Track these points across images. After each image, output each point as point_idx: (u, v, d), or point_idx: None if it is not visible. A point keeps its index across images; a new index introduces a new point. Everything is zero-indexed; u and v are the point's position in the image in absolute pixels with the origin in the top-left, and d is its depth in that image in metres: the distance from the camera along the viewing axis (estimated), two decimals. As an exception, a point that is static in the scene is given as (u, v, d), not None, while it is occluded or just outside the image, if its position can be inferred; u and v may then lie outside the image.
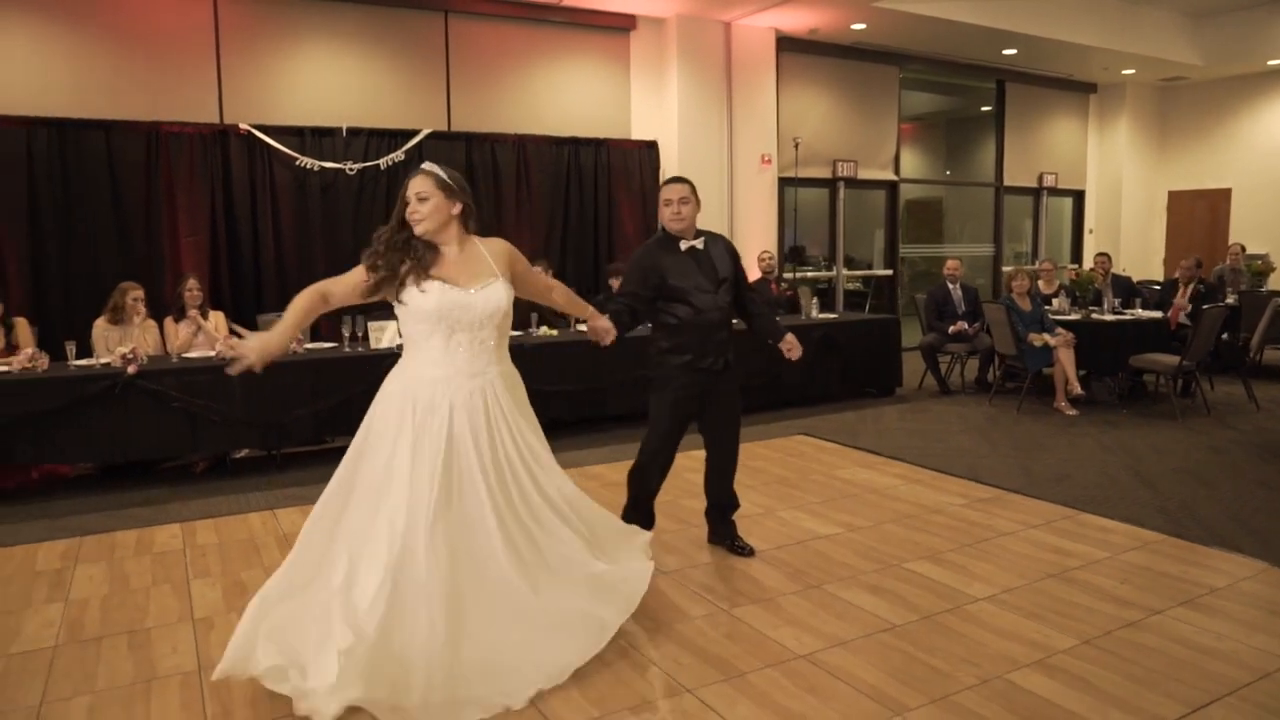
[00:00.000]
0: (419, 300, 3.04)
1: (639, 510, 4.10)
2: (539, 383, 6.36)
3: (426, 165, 3.12)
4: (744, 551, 4.16)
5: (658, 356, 3.97)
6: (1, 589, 3.90)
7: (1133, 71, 11.95)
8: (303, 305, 3.12)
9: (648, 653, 3.20)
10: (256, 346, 2.96)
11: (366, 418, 3.23)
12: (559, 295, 3.63)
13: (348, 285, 3.16)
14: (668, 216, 3.92)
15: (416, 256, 3.06)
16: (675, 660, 3.14)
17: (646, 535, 3.63)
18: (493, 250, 3.20)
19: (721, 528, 4.25)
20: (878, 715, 2.76)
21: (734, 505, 4.26)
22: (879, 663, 3.10)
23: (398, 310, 3.16)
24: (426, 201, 3.04)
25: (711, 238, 4.02)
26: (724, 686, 2.95)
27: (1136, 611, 3.47)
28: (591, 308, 3.68)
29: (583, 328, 7.02)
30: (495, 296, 3.10)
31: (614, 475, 5.59)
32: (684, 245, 3.92)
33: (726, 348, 3.97)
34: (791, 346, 4.10)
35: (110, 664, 3.19)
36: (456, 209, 3.09)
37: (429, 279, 3.05)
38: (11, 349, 5.69)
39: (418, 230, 3.06)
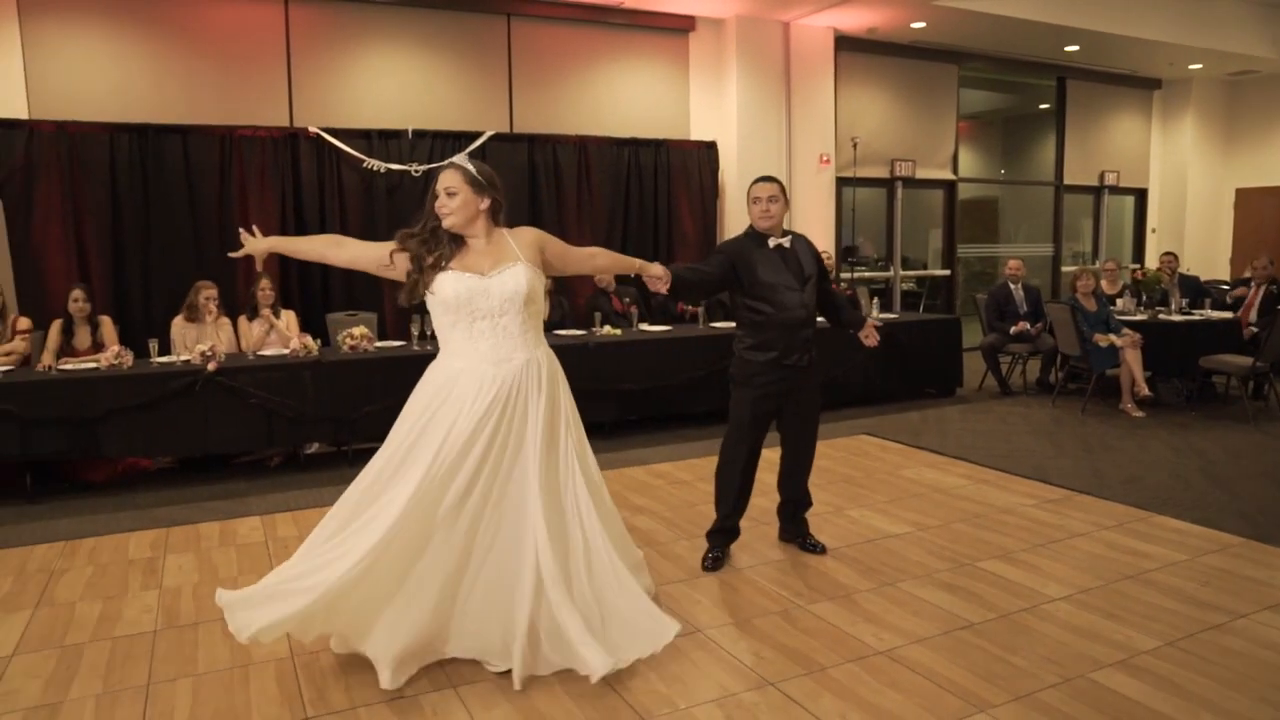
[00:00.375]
0: (441, 289, 3.09)
1: (719, 511, 4.11)
2: (602, 382, 6.47)
3: (457, 159, 3.18)
4: (816, 549, 4.18)
5: (742, 353, 4.00)
6: (100, 576, 4.06)
7: (1200, 66, 11.71)
8: (320, 238, 3.49)
9: (728, 646, 3.24)
10: (262, 243, 3.27)
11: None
12: (603, 259, 3.62)
13: (367, 250, 3.29)
14: (756, 214, 3.96)
15: (442, 248, 3.11)
16: (756, 654, 3.18)
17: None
18: (520, 239, 3.22)
19: (793, 526, 4.28)
20: (961, 711, 2.78)
21: (807, 503, 4.27)
22: (959, 660, 3.11)
23: (428, 303, 3.18)
24: (455, 196, 3.08)
25: (796, 236, 4.06)
26: (806, 680, 2.98)
27: (1220, 614, 3.44)
28: (639, 260, 3.59)
29: (646, 327, 7.11)
30: (513, 280, 3.10)
31: (682, 474, 5.65)
32: (772, 243, 3.96)
33: (810, 345, 4.00)
34: (869, 334, 4.29)
35: (208, 649, 3.31)
36: (484, 204, 3.13)
37: (451, 269, 3.10)
38: (97, 347, 5.89)
39: (445, 224, 3.11)
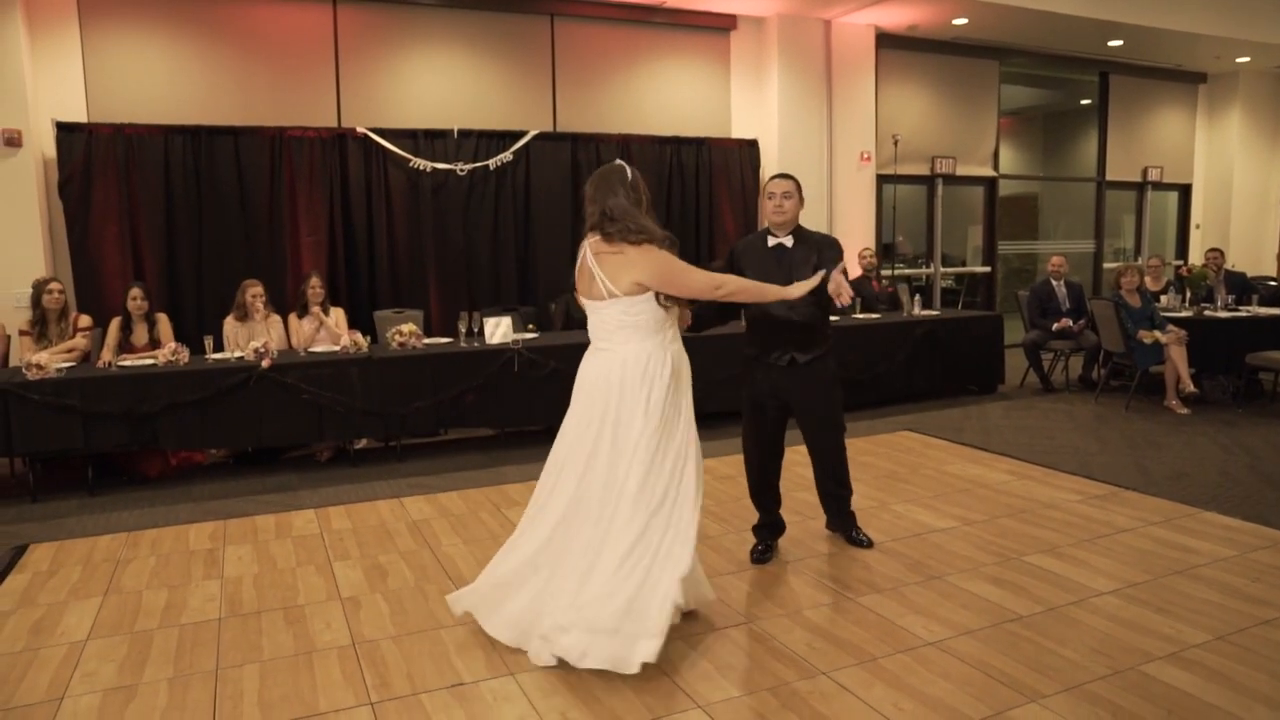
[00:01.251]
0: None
1: (758, 511, 4.19)
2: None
3: None
4: (863, 543, 4.22)
5: (743, 350, 4.10)
6: (163, 566, 4.19)
7: (1248, 59, 11.55)
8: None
9: (781, 637, 3.29)
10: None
11: None
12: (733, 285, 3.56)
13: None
14: (770, 210, 3.96)
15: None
16: (808, 645, 3.23)
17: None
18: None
19: (838, 519, 4.31)
20: (1013, 701, 2.81)
21: (843, 496, 4.23)
22: (1009, 651, 3.14)
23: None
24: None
25: (810, 236, 3.99)
26: (858, 670, 3.03)
27: (1271, 609, 3.44)
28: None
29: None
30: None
31: (724, 469, 5.71)
32: (772, 242, 3.96)
33: (797, 345, 3.93)
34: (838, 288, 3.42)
35: (271, 636, 3.41)
36: None
37: None
38: (154, 344, 6.05)
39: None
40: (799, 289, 3.46)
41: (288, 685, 3.03)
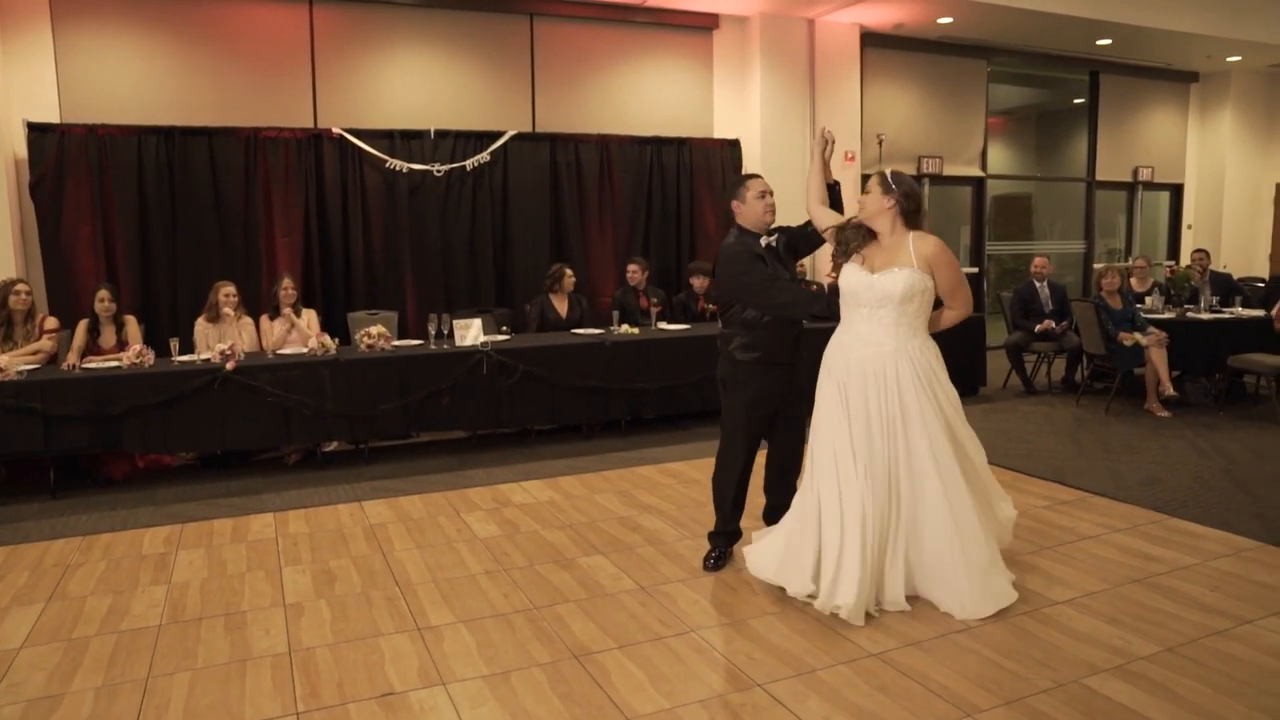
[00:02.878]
0: (842, 276, 3.65)
1: (719, 515, 4.11)
2: (618, 380, 6.48)
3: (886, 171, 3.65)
4: None
5: (739, 354, 3.93)
6: (112, 571, 4.15)
7: (1239, 58, 11.45)
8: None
9: (721, 648, 3.24)
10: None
11: None
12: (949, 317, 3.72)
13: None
14: (761, 210, 3.90)
15: (856, 240, 3.63)
16: (748, 655, 3.17)
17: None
18: (918, 245, 3.53)
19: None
20: (949, 716, 2.76)
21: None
22: (952, 663, 3.08)
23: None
24: (868, 195, 3.62)
25: (779, 230, 4.02)
26: (794, 682, 2.98)
27: (1225, 620, 3.38)
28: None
29: (665, 325, 7.10)
30: (893, 281, 3.49)
31: (694, 473, 5.65)
32: (764, 241, 3.92)
33: (796, 348, 3.98)
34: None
35: (209, 644, 3.37)
36: (889, 204, 3.55)
37: (856, 260, 3.62)
38: (122, 346, 6.01)
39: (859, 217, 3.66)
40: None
41: (216, 695, 2.99)
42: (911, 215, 3.58)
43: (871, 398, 3.52)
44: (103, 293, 6.10)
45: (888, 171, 3.62)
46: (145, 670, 3.16)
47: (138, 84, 7.16)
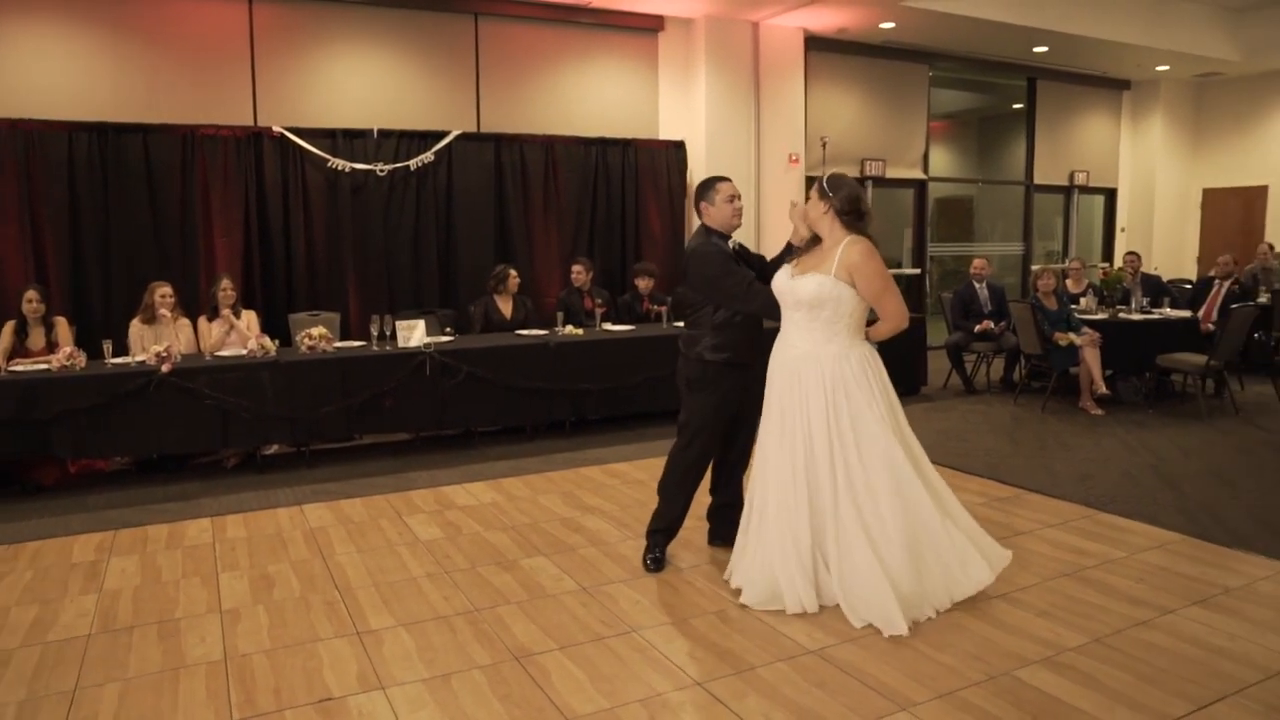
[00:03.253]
0: (774, 279, 3.70)
1: (669, 515, 4.08)
2: (562, 381, 6.47)
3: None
4: None
5: (708, 355, 3.89)
6: (39, 580, 4.05)
7: (1167, 68, 11.80)
8: None
9: (661, 647, 3.26)
10: None
11: None
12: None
13: None
14: (729, 214, 3.90)
15: (807, 246, 3.69)
16: (688, 654, 3.20)
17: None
18: (846, 251, 3.51)
19: (727, 528, 4.15)
20: (883, 710, 2.80)
21: (741, 504, 4.13)
22: (888, 659, 3.13)
23: None
24: (809, 201, 3.68)
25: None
26: (734, 680, 3.00)
27: (1149, 611, 3.48)
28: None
29: (609, 326, 7.11)
30: (804, 286, 3.53)
31: (637, 474, 5.67)
32: (732, 244, 3.93)
33: (760, 349, 3.93)
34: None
35: (141, 652, 3.30)
36: (825, 209, 3.58)
37: (790, 263, 3.70)
38: (52, 348, 5.86)
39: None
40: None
41: (147, 705, 2.93)
42: (851, 219, 3.56)
43: (787, 400, 3.60)
44: (31, 293, 5.94)
45: (825, 176, 3.65)
46: (72, 682, 3.08)
47: (67, 77, 6.98)
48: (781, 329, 3.72)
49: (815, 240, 3.65)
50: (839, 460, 3.49)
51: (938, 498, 3.62)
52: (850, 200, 3.56)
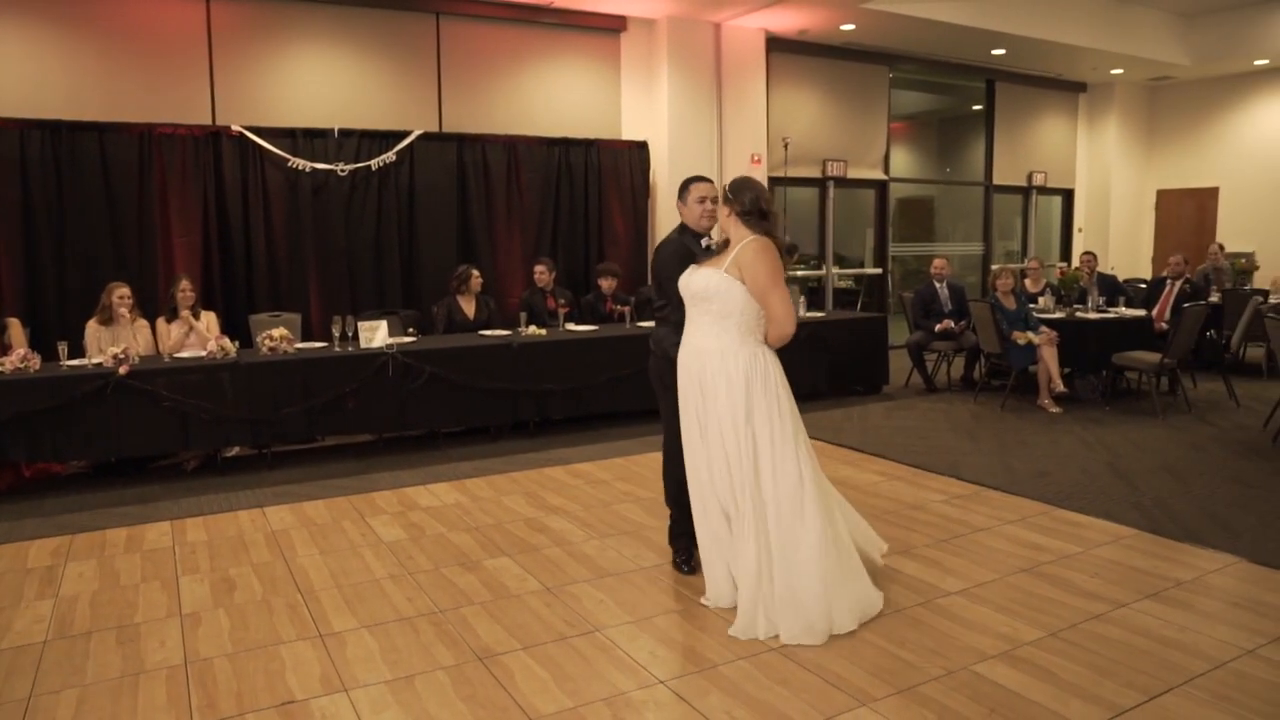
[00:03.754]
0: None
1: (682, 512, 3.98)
2: (526, 382, 6.47)
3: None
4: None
5: (673, 351, 3.80)
6: (-7, 585, 3.98)
7: (1121, 71, 12.03)
8: None
9: (625, 646, 3.27)
10: None
11: None
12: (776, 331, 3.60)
13: None
14: (699, 214, 3.88)
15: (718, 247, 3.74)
16: (650, 652, 3.21)
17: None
18: (742, 249, 3.50)
19: (691, 552, 4.04)
20: (844, 706, 2.84)
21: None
22: (849, 655, 3.17)
23: None
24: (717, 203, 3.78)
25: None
26: (696, 678, 3.03)
27: (1103, 604, 3.55)
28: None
29: (572, 327, 7.12)
30: (695, 277, 3.58)
31: (601, 474, 5.68)
32: (705, 243, 3.89)
33: None
34: None
35: (99, 658, 3.26)
36: (727, 212, 3.61)
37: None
38: (4, 350, 5.75)
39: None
40: None
41: (106, 711, 2.89)
42: (753, 219, 3.54)
43: (689, 396, 3.65)
44: (-17, 295, 5.84)
45: (730, 181, 3.68)
46: (27, 689, 3.04)
47: (20, 74, 6.85)
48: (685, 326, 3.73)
49: (725, 242, 3.68)
50: (739, 463, 3.45)
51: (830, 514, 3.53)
52: (752, 202, 3.55)
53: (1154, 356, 7.18)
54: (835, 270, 11.01)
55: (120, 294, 6.14)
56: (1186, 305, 7.39)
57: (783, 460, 3.42)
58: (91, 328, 6.15)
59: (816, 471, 3.54)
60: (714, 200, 3.87)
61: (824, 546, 3.36)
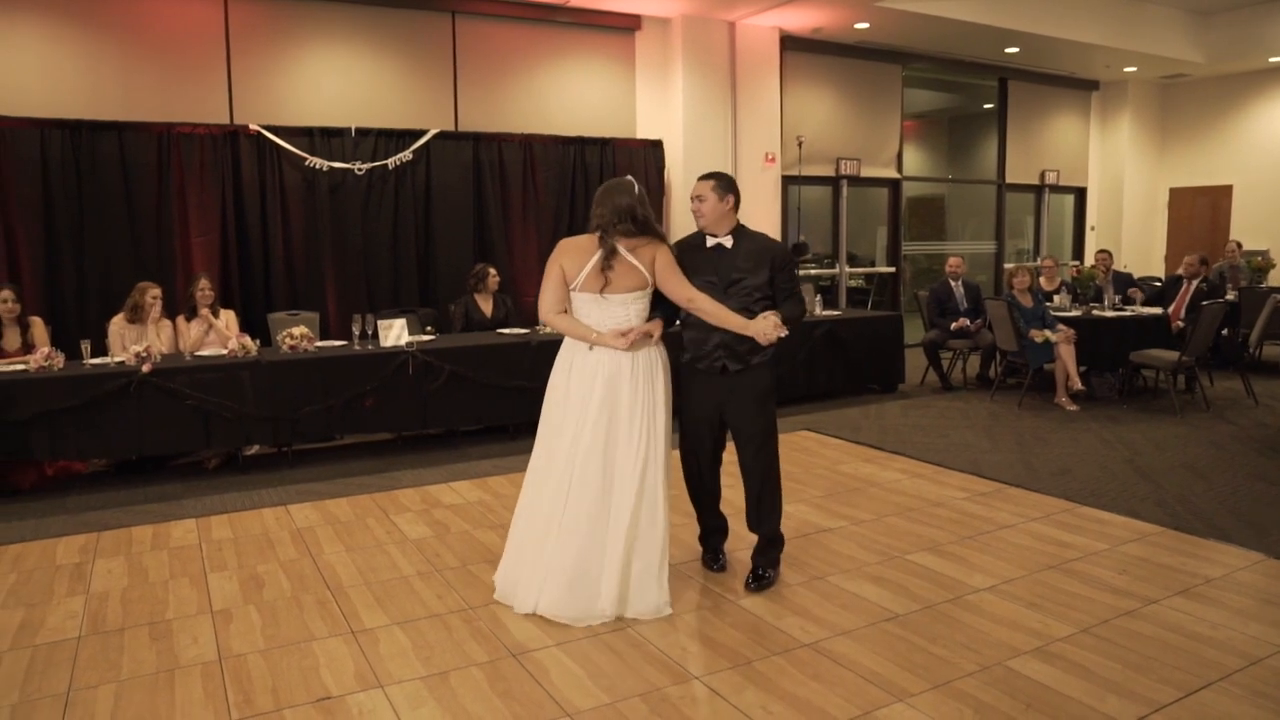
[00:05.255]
0: None
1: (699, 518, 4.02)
2: (545, 380, 6.45)
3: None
4: (749, 585, 3.81)
5: (770, 359, 3.79)
6: (24, 583, 3.99)
7: (1135, 69, 12.00)
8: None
9: (657, 642, 3.28)
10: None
11: None
12: (704, 304, 3.64)
13: None
14: (692, 211, 3.89)
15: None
16: (683, 649, 3.22)
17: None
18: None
19: (720, 551, 4.05)
20: (881, 701, 2.85)
21: (759, 530, 3.88)
22: (882, 650, 3.18)
23: None
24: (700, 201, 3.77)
25: (748, 236, 3.81)
26: (731, 674, 3.03)
27: (1133, 601, 3.55)
28: (741, 319, 3.66)
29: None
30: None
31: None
32: (710, 242, 3.79)
33: (729, 350, 3.72)
34: (762, 331, 3.60)
35: (133, 654, 3.27)
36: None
37: None
38: (28, 348, 5.78)
39: None
40: (754, 327, 3.59)
41: (144, 706, 2.91)
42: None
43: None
44: (5, 293, 5.85)
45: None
46: (65, 684, 3.05)
47: (40, 75, 6.88)
48: None
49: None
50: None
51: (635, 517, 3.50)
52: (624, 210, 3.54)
53: (1172, 354, 7.17)
54: (848, 269, 11.00)
55: (154, 294, 6.14)
56: (1205, 303, 7.37)
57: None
58: (116, 325, 6.16)
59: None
60: (698, 198, 3.79)
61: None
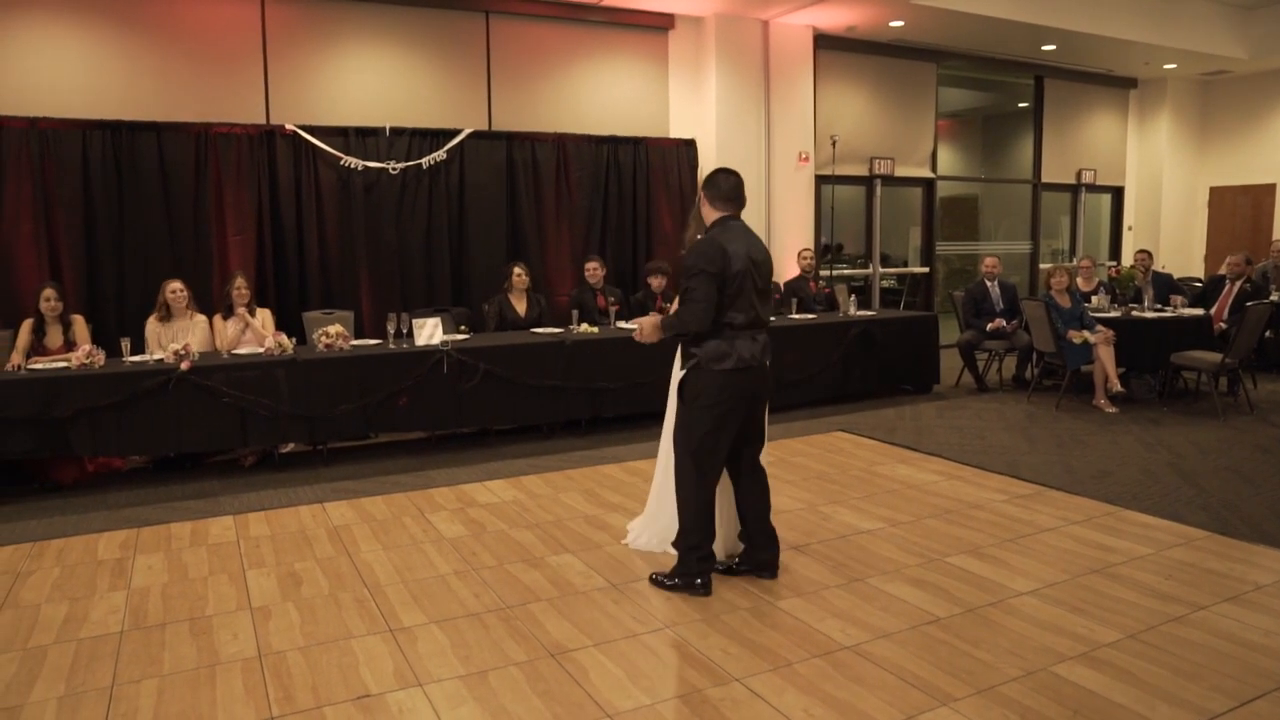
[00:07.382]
0: None
1: (696, 539, 3.78)
2: (579, 379, 6.47)
3: None
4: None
5: (704, 362, 3.64)
6: (67, 577, 4.04)
7: (1174, 66, 11.81)
8: None
9: (696, 644, 3.26)
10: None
11: None
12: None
13: None
14: None
15: None
16: (723, 650, 3.20)
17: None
18: None
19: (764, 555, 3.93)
20: (924, 705, 2.81)
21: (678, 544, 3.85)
22: (924, 654, 3.14)
23: None
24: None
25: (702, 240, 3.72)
26: (771, 676, 3.00)
27: (1181, 607, 3.49)
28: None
29: (623, 324, 7.10)
30: None
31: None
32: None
33: (768, 349, 3.77)
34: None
35: (174, 649, 3.30)
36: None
37: None
38: (69, 346, 5.85)
39: None
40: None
41: (186, 700, 2.93)
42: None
43: None
44: (48, 291, 5.93)
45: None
46: (109, 678, 3.08)
47: (81, 76, 6.96)
48: None
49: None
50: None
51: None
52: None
53: (1215, 356, 7.04)
54: (881, 270, 10.92)
55: (172, 288, 6.21)
56: (1249, 304, 7.24)
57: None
58: (151, 324, 6.24)
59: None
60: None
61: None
